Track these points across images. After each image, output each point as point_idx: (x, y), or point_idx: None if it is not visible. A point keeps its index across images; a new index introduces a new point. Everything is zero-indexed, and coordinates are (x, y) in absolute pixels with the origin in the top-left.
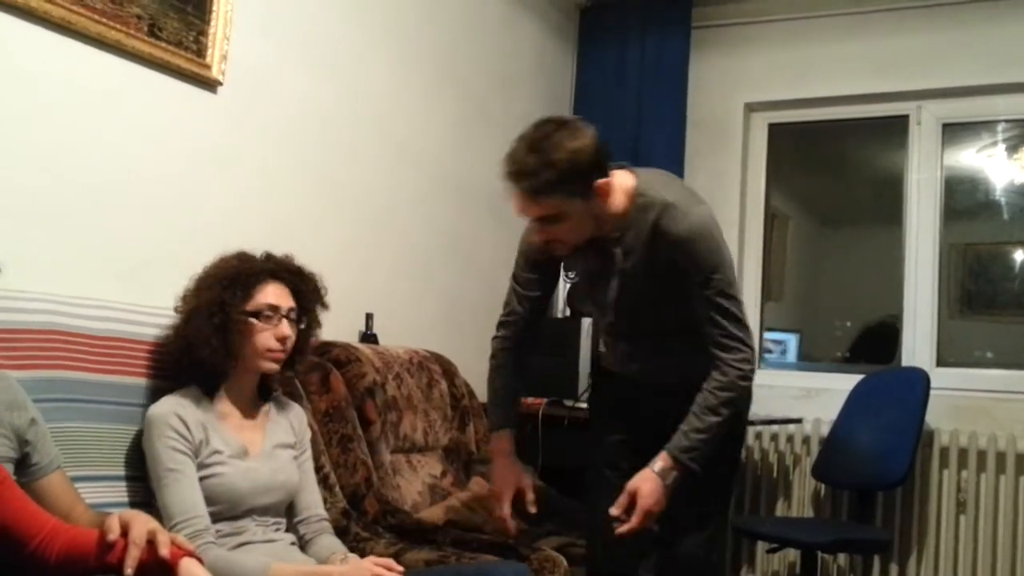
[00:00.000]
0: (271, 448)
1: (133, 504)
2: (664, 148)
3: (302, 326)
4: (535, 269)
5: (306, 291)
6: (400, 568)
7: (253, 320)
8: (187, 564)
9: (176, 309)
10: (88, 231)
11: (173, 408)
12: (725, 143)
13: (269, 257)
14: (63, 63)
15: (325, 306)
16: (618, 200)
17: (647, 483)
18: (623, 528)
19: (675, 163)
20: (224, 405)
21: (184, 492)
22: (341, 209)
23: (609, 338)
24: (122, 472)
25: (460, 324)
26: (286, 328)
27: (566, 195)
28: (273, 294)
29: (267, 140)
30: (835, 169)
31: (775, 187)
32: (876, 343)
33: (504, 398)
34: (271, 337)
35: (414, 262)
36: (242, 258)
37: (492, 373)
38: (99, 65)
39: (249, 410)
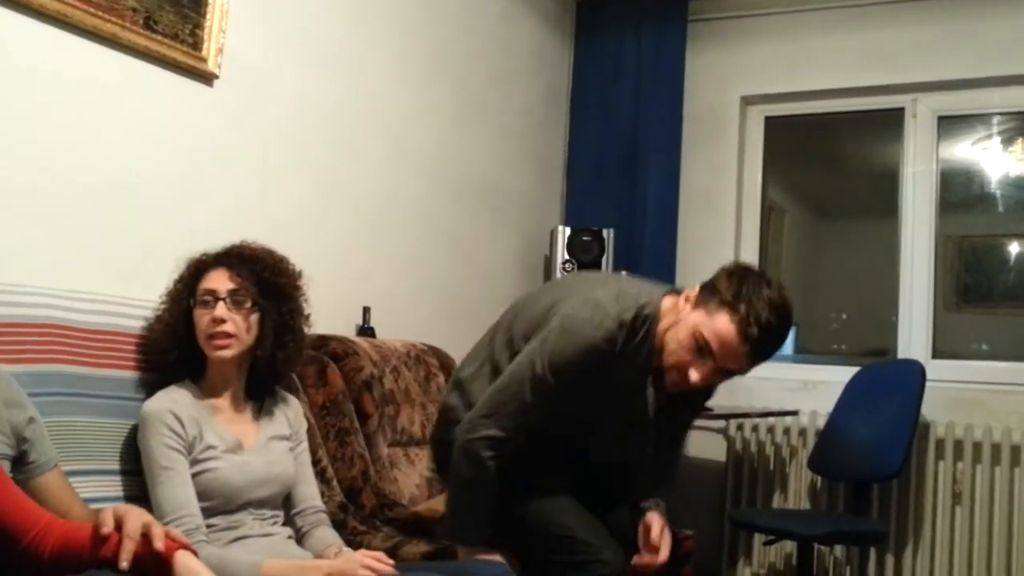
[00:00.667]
0: (266, 441)
1: (129, 498)
2: (661, 142)
3: (248, 305)
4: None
5: (259, 273)
6: (390, 562)
7: (199, 309)
8: (182, 557)
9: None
10: (86, 228)
11: (167, 404)
12: (721, 136)
13: (230, 246)
14: (59, 57)
15: (295, 288)
16: None
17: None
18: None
19: (671, 156)
20: (216, 399)
21: (176, 490)
22: (339, 204)
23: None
24: (118, 466)
25: (458, 319)
26: (220, 310)
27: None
28: (213, 279)
29: (264, 134)
30: (831, 162)
31: (771, 180)
32: (872, 336)
33: (488, 513)
34: (208, 320)
35: (412, 257)
36: (208, 252)
37: (479, 485)
38: (95, 59)
39: (242, 403)
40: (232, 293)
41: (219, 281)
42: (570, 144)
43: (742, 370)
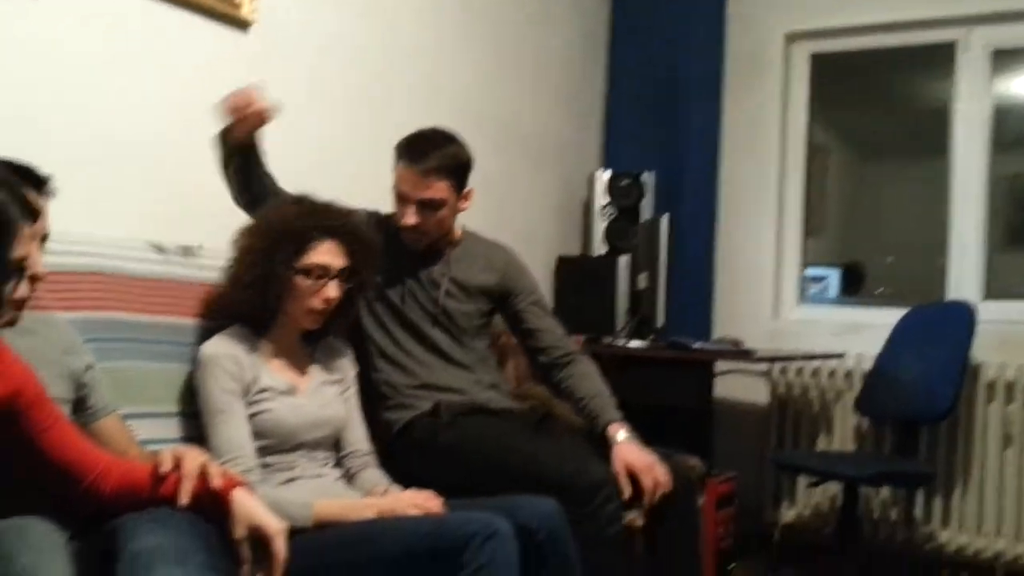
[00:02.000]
0: (318, 385)
1: (182, 440)
2: (702, 82)
3: (350, 286)
4: None
5: (361, 252)
6: (438, 500)
7: (301, 278)
8: (238, 494)
9: (232, 245)
10: (128, 178)
11: (225, 348)
12: (764, 75)
13: (328, 210)
14: (96, 7)
15: (377, 269)
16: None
17: (630, 453)
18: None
19: (713, 97)
20: (272, 345)
21: (232, 431)
22: (373, 150)
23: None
24: (171, 409)
25: None
26: (333, 290)
27: (452, 184)
28: (327, 252)
29: (299, 81)
30: (878, 100)
31: (816, 119)
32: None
33: None
34: (317, 298)
35: None
36: (301, 209)
37: None
38: (134, 9)
39: (296, 349)
40: (344, 271)
41: (332, 256)
42: (609, 86)
43: (434, 193)
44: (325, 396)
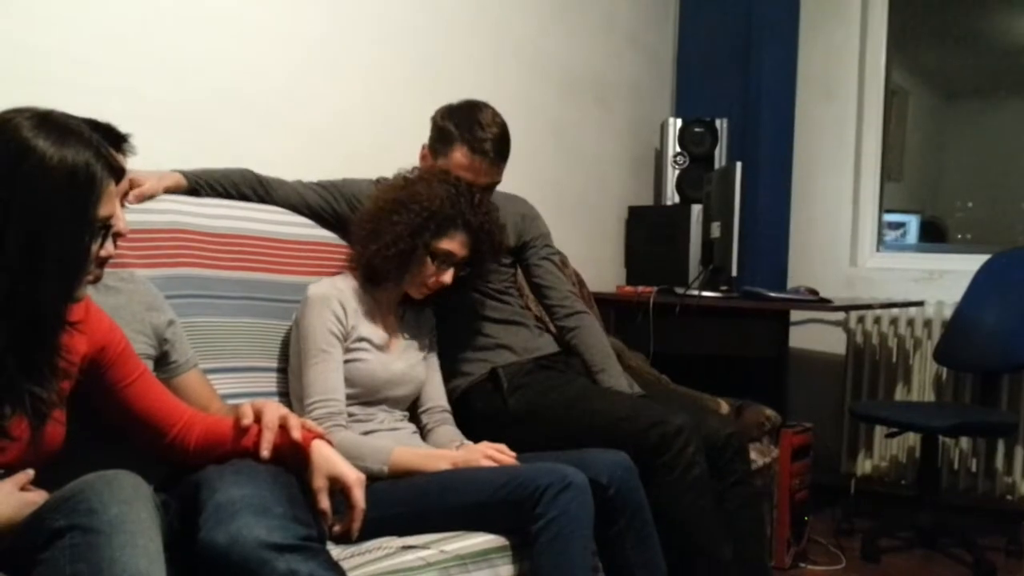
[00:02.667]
0: (406, 346)
1: (261, 394)
2: (776, 24)
3: (462, 274)
4: None
5: (487, 250)
6: (512, 454)
7: (429, 258)
8: (318, 446)
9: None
10: (206, 134)
11: (335, 292)
12: (842, 15)
13: (475, 203)
14: None
15: (498, 262)
16: None
17: None
18: None
19: (788, 39)
20: (375, 301)
21: (328, 373)
22: (443, 101)
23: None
24: (250, 364)
25: (566, 214)
26: (448, 276)
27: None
28: (459, 243)
29: (367, 32)
30: (962, 38)
31: (894, 61)
32: (1001, 224)
33: None
34: (434, 278)
35: (518, 153)
36: (453, 192)
37: None
38: None
39: (393, 309)
40: (462, 260)
41: (461, 246)
42: (680, 30)
43: (497, 177)
44: (412, 357)
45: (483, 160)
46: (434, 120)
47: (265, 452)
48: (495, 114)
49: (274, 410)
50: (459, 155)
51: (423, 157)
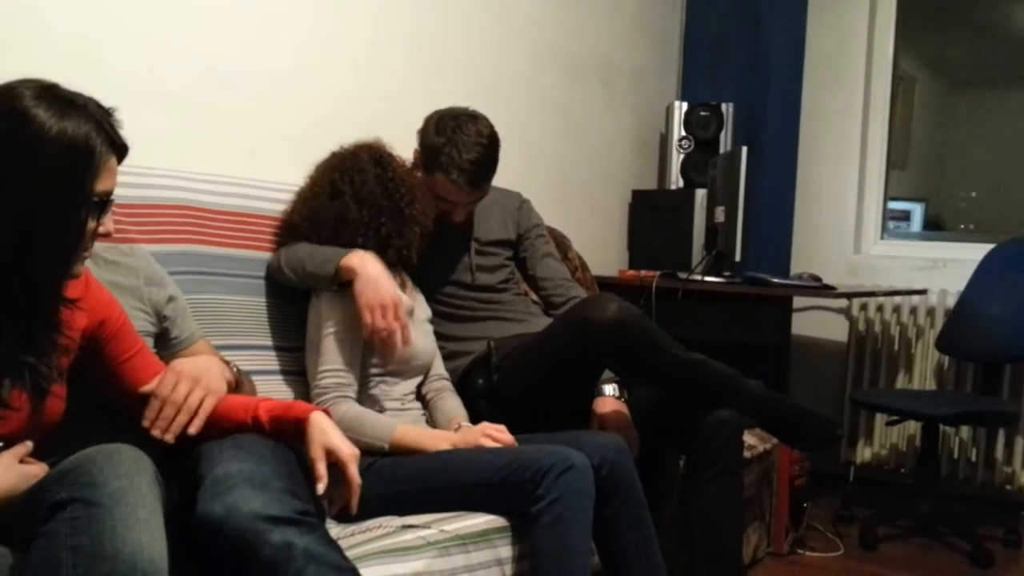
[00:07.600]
0: (419, 320)
1: (262, 372)
2: (784, 8)
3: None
4: None
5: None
6: (510, 436)
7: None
8: (316, 418)
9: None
10: (213, 112)
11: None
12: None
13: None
14: None
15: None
16: None
17: (605, 406)
18: None
19: (796, 24)
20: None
21: (347, 347)
22: (448, 81)
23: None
24: (250, 341)
25: (570, 197)
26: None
27: None
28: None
29: (371, 11)
30: (969, 26)
31: (902, 47)
32: (1006, 213)
33: None
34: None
35: (520, 134)
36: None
37: None
38: None
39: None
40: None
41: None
42: (688, 14)
43: (478, 198)
44: (426, 332)
45: (459, 191)
46: (425, 128)
47: (169, 436)
48: (480, 131)
49: (186, 387)
50: (440, 181)
51: (415, 162)
